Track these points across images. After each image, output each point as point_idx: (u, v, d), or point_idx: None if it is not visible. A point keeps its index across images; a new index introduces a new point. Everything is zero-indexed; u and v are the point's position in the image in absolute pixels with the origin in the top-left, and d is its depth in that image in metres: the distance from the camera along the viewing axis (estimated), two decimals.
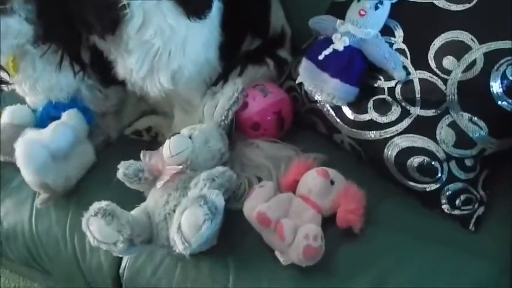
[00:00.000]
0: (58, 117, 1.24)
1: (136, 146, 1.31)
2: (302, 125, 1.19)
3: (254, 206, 0.93)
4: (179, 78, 1.16)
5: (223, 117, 1.13)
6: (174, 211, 0.97)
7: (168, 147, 1.05)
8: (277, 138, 1.16)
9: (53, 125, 1.18)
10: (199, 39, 1.14)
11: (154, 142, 1.32)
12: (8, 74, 1.21)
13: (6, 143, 1.22)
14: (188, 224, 0.87)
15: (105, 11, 1.02)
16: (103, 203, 0.96)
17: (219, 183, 0.96)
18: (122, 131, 1.37)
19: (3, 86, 1.24)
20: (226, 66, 1.24)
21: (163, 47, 1.09)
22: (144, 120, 1.36)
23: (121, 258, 1.10)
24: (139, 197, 1.09)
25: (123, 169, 1.04)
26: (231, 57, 1.24)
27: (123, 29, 1.06)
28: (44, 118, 1.27)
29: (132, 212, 1.00)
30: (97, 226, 0.93)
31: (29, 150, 1.11)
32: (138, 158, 1.25)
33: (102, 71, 1.26)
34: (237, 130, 1.17)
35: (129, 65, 1.13)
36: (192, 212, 0.87)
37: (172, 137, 1.06)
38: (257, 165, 1.11)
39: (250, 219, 0.95)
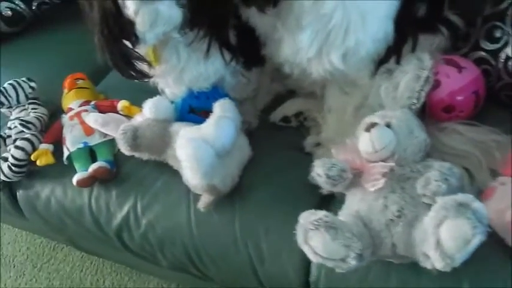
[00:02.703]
0: (199, 109, 1.13)
1: (281, 133, 1.20)
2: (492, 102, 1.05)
3: (503, 210, 0.81)
4: (351, 57, 1.02)
5: (414, 101, 0.99)
6: (397, 217, 0.85)
7: (369, 141, 0.92)
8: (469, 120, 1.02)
9: (213, 119, 1.05)
10: (381, 10, 0.98)
11: (300, 128, 1.19)
12: (149, 66, 1.07)
13: (153, 141, 1.10)
14: (453, 238, 0.74)
15: None
16: (320, 214, 0.84)
17: (454, 183, 0.83)
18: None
19: (145, 79, 1.10)
20: (396, 39, 1.08)
21: (341, 21, 0.94)
22: (290, 105, 1.21)
23: (309, 264, 1.00)
24: (304, 192, 0.99)
25: (326, 170, 0.90)
26: (401, 27, 1.08)
27: (295, 1, 0.91)
28: (184, 110, 1.14)
29: (344, 220, 0.88)
30: (320, 241, 0.82)
31: (196, 152, 0.99)
32: (287, 147, 1.15)
33: (248, 52, 1.12)
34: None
35: (298, 43, 0.98)
36: (456, 225, 0.74)
37: (373, 129, 0.92)
38: (460, 153, 0.98)
39: (496, 223, 0.83)
